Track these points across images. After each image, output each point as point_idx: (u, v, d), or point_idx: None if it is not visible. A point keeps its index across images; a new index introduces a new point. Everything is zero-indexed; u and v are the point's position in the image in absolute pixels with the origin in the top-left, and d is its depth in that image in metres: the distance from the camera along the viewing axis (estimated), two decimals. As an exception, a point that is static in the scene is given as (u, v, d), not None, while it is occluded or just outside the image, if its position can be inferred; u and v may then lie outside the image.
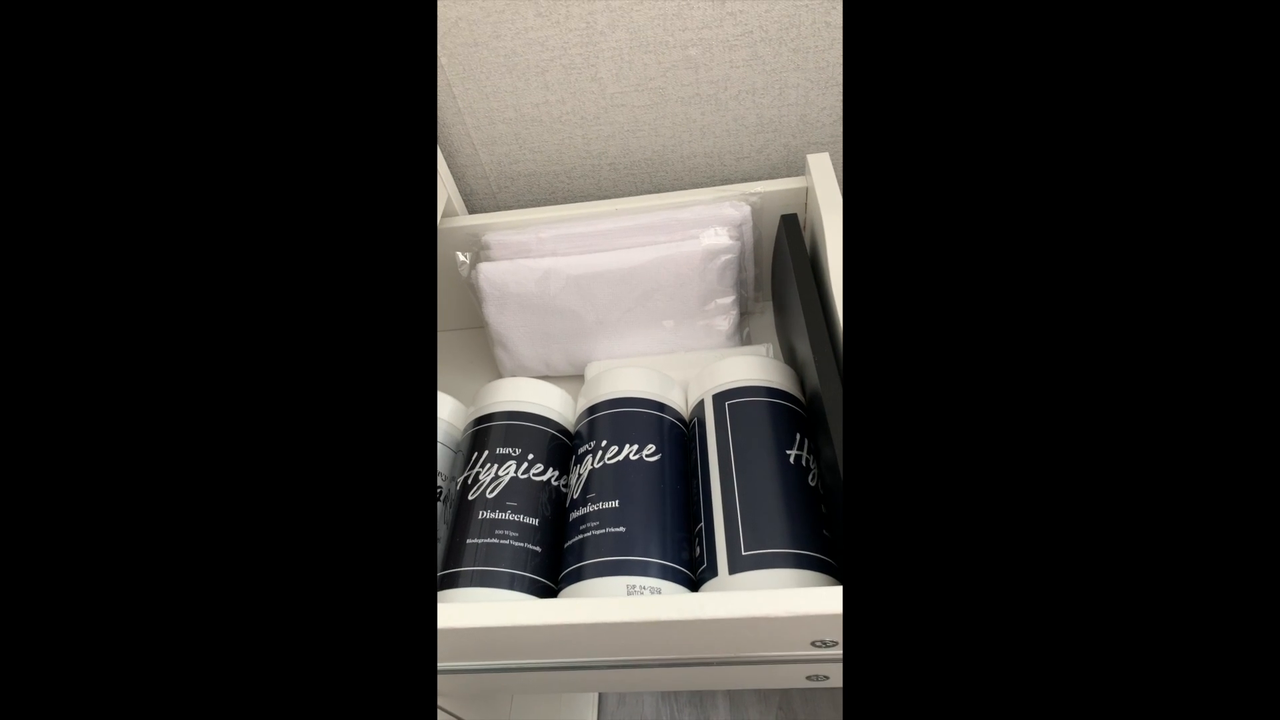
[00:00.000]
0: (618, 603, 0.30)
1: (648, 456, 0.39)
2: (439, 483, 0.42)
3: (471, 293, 0.50)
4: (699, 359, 0.49)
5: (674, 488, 0.38)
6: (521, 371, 0.53)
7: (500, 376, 0.54)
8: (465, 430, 0.43)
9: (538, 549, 0.37)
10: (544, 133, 0.51)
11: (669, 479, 0.38)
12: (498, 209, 0.55)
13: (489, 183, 0.54)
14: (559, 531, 0.38)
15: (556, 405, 0.44)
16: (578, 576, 0.35)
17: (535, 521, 0.38)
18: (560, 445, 0.42)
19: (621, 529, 0.36)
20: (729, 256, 0.47)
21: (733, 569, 0.34)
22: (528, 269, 0.48)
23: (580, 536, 0.36)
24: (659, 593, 0.34)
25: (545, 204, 0.54)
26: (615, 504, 0.37)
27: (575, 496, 0.38)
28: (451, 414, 0.46)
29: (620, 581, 0.34)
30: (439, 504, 0.42)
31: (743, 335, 0.51)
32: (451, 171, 0.51)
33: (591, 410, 0.42)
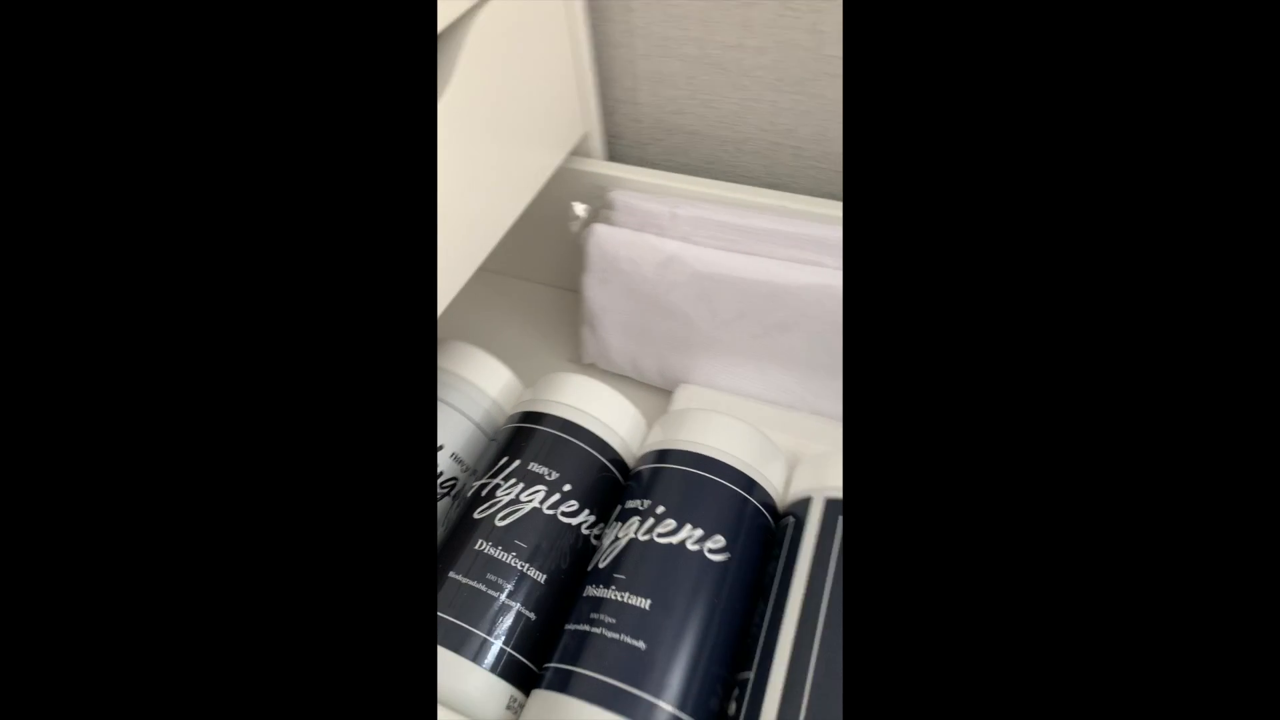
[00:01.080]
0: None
1: (711, 552, 0.28)
2: (457, 473, 0.34)
3: (579, 255, 0.41)
4: (823, 431, 0.37)
5: (732, 605, 0.28)
6: (604, 363, 0.43)
7: (576, 361, 0.44)
8: (508, 421, 0.34)
9: (532, 615, 0.28)
10: (725, 84, 0.40)
11: (730, 591, 0.28)
12: (641, 164, 0.44)
13: (640, 130, 0.44)
14: (570, 596, 0.29)
15: (624, 429, 0.34)
16: (561, 684, 0.26)
17: (542, 577, 0.29)
18: (610, 482, 0.32)
19: (641, 644, 0.26)
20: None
21: (771, 775, 0.23)
22: (649, 247, 0.38)
23: (585, 628, 0.27)
24: (658, 761, 0.24)
25: (700, 174, 0.43)
26: (645, 605, 0.26)
27: (601, 565, 0.29)
28: (502, 392, 0.37)
29: (611, 723, 0.24)
30: (447, 498, 0.33)
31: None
32: (601, 105, 0.41)
33: (660, 456, 0.32)
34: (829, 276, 0.35)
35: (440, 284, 0.28)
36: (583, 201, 0.40)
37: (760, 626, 0.27)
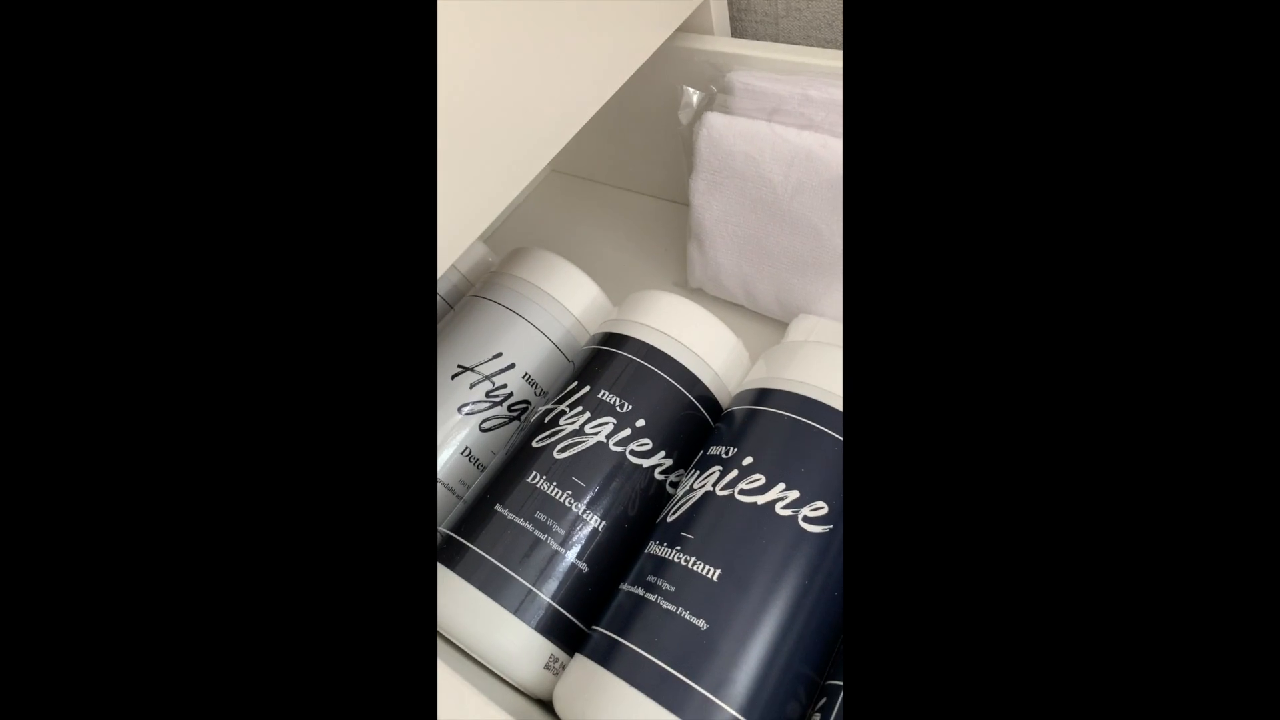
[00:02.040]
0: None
1: (808, 520, 0.22)
2: (529, 396, 0.30)
3: (685, 153, 0.34)
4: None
5: (829, 590, 0.21)
6: (713, 288, 0.37)
7: (682, 285, 0.39)
8: (588, 342, 0.30)
9: (585, 566, 0.24)
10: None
11: (829, 571, 0.21)
12: (775, 41, 0.36)
13: (775, 2, 0.35)
14: (633, 550, 0.24)
15: (721, 361, 0.28)
16: (605, 656, 0.21)
17: (601, 524, 0.24)
18: (697, 423, 0.27)
19: (702, 624, 0.20)
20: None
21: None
22: (773, 139, 0.31)
23: (641, 592, 0.22)
24: (707, 774, 0.19)
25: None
26: (714, 575, 0.21)
27: (670, 518, 0.24)
28: (586, 310, 0.32)
29: (651, 714, 0.19)
30: (515, 420, 0.30)
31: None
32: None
33: (759, 396, 0.25)
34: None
35: (499, 183, 0.23)
36: (696, 86, 0.33)
37: (865, 624, 0.21)
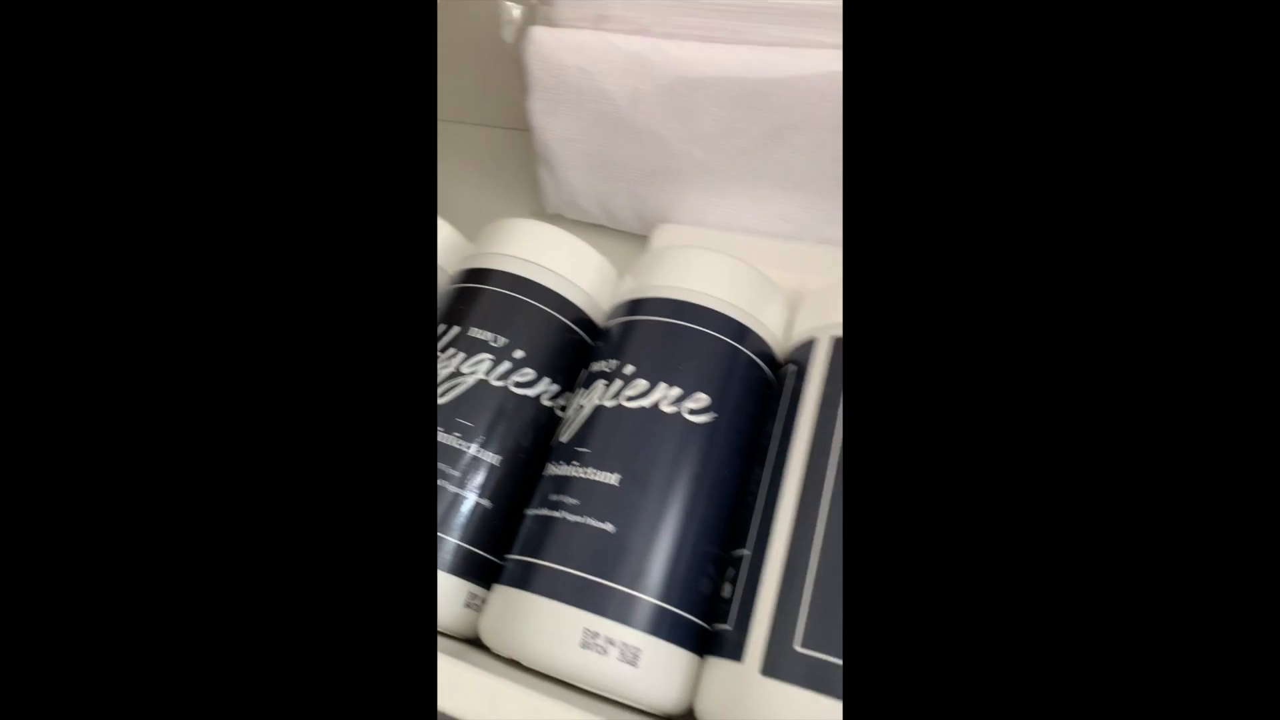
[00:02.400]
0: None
1: (692, 412, 0.23)
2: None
3: (517, 74, 0.33)
4: (833, 263, 0.30)
5: (720, 473, 0.23)
6: (571, 211, 0.37)
7: (539, 214, 0.38)
8: (451, 281, 0.29)
9: (488, 502, 0.24)
10: None
11: (718, 457, 0.23)
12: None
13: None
14: (532, 478, 0.25)
15: (588, 280, 0.28)
16: (520, 580, 0.22)
17: (497, 459, 0.24)
18: (577, 345, 0.27)
19: (610, 527, 0.21)
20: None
21: (770, 667, 0.19)
22: (604, 48, 0.30)
23: (546, 513, 0.22)
24: (635, 659, 0.20)
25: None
26: (614, 480, 0.22)
27: (564, 438, 0.24)
28: (446, 254, 0.31)
29: (577, 620, 0.20)
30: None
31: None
32: None
33: (631, 308, 0.26)
34: (827, 60, 0.27)
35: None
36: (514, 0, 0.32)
37: (756, 495, 0.23)
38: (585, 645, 0.20)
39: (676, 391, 0.23)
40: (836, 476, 0.21)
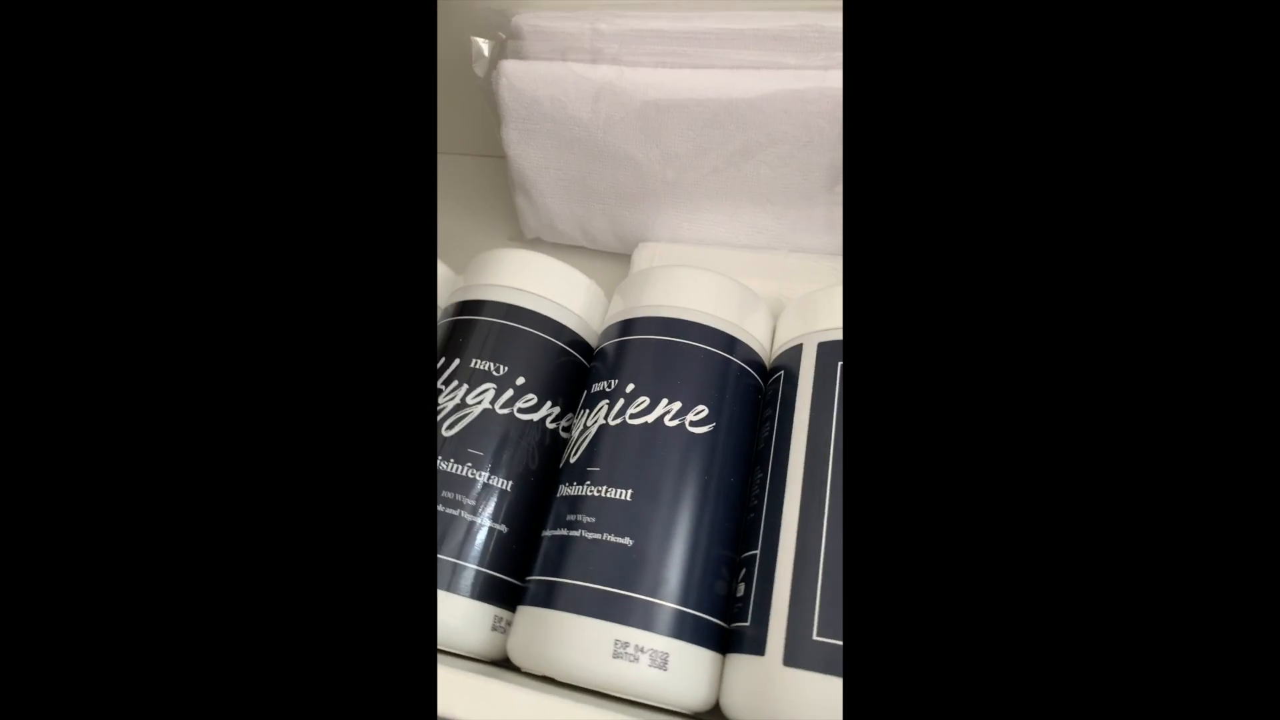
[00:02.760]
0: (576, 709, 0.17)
1: (694, 424, 0.24)
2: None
3: (489, 104, 0.34)
4: (808, 270, 0.32)
5: (725, 480, 0.24)
6: (550, 235, 0.38)
7: (518, 239, 0.39)
8: (443, 315, 0.29)
9: (504, 527, 0.25)
10: None
11: (721, 464, 0.24)
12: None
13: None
14: (545, 499, 0.26)
15: (579, 304, 0.29)
16: (545, 599, 0.23)
17: (508, 484, 0.25)
18: (574, 367, 0.28)
19: (628, 540, 0.22)
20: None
21: (790, 657, 0.20)
22: (574, 79, 0.31)
23: (564, 533, 0.23)
24: (664, 663, 0.21)
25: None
26: (627, 495, 0.23)
27: (572, 459, 0.25)
28: (439, 283, 0.31)
29: (606, 632, 0.21)
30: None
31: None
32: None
33: (624, 328, 0.27)
34: (790, 80, 0.29)
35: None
36: (484, 35, 0.33)
37: (760, 497, 0.24)
38: (617, 655, 0.21)
39: (677, 405, 0.24)
40: (835, 474, 0.22)
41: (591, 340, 0.29)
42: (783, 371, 0.26)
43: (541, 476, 0.26)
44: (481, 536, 0.24)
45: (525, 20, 0.31)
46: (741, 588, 0.23)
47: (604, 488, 0.23)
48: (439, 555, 0.23)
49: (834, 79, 0.28)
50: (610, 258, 0.37)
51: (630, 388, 0.25)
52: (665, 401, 0.24)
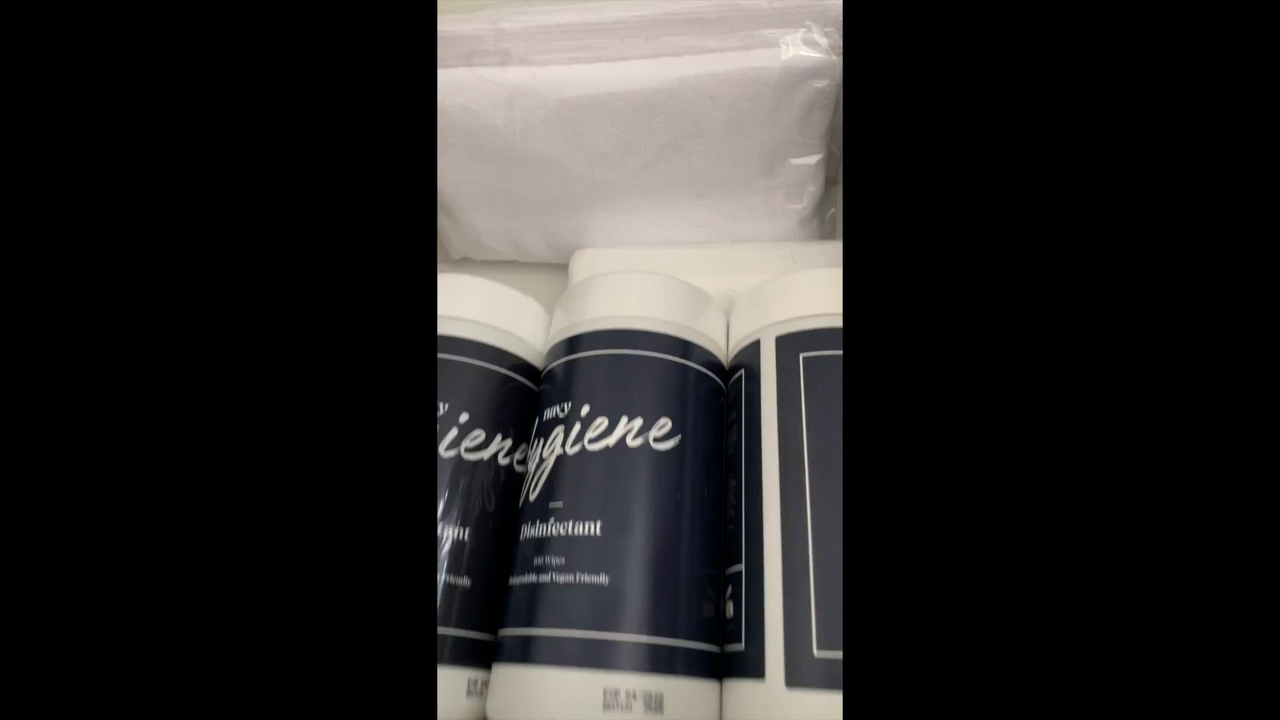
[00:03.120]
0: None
1: (658, 440, 0.23)
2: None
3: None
4: (754, 261, 0.31)
5: (698, 495, 0.23)
6: (478, 252, 0.35)
7: (446, 260, 0.36)
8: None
9: (465, 580, 0.23)
10: None
11: (691, 479, 0.23)
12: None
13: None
14: (506, 542, 0.24)
15: (520, 324, 0.27)
16: (521, 654, 0.20)
17: (464, 532, 0.23)
18: (521, 394, 0.26)
19: (603, 578, 0.20)
20: (824, 83, 0.27)
21: (793, 677, 0.19)
22: (482, 84, 0.29)
23: (533, 579, 0.21)
24: (659, 705, 0.19)
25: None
26: (596, 528, 0.21)
27: (532, 496, 0.23)
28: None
29: (593, 682, 0.19)
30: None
31: (826, 221, 0.33)
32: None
33: (571, 344, 0.25)
34: (711, 63, 0.27)
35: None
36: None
37: (738, 507, 0.23)
38: (608, 706, 0.19)
39: (638, 422, 0.23)
40: (813, 474, 0.21)
41: (536, 362, 0.27)
42: (743, 370, 0.25)
43: (500, 519, 0.24)
44: (447, 594, 0.22)
45: (421, 26, 0.29)
46: (730, 607, 0.22)
47: (570, 523, 0.21)
48: (397, 624, 0.21)
49: (756, 58, 0.27)
50: (546, 269, 0.35)
51: (585, 409, 0.23)
52: (625, 420, 0.23)
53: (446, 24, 0.29)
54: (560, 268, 0.35)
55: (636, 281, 0.26)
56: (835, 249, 0.31)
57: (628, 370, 0.24)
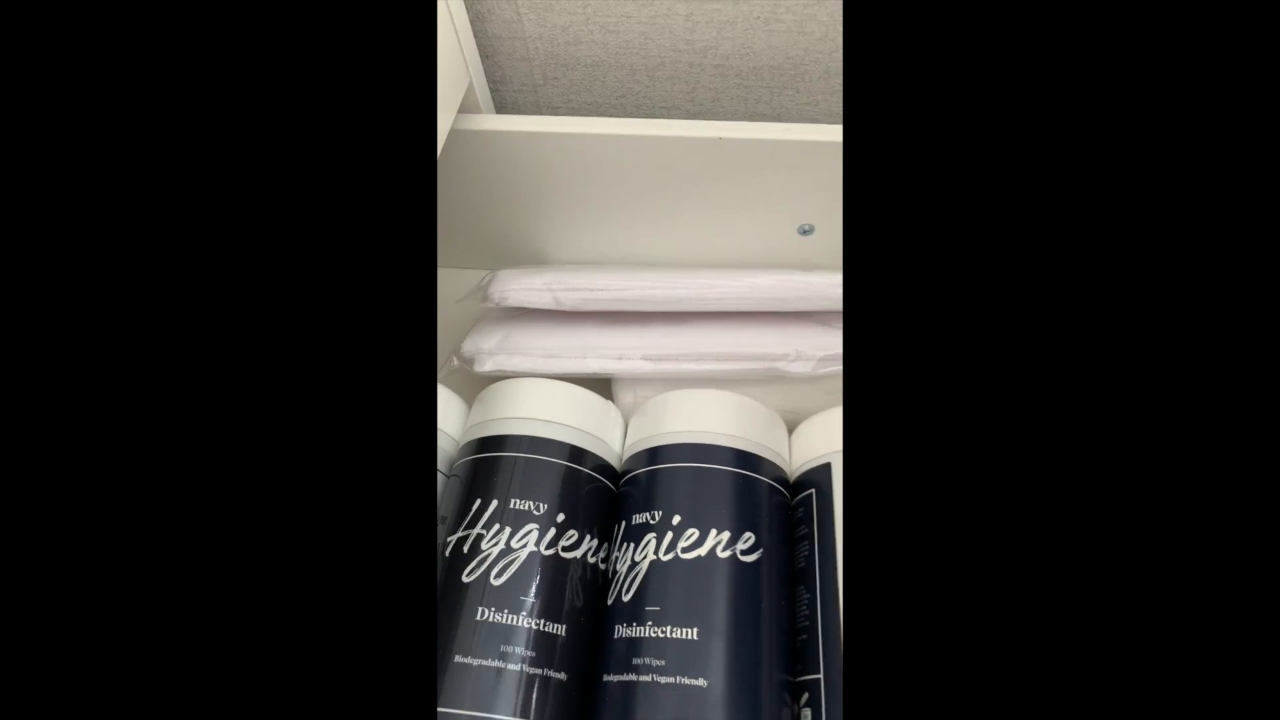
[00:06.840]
0: None
1: (744, 553, 0.25)
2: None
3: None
4: (818, 386, 0.34)
5: (776, 605, 0.25)
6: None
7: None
8: (462, 454, 0.29)
9: (562, 675, 0.24)
10: (628, 1, 0.33)
11: (770, 590, 0.25)
12: (539, 111, 0.38)
13: (531, 69, 0.37)
14: (595, 638, 0.25)
15: (598, 426, 0.30)
16: (624, 754, 0.22)
17: (560, 628, 0.25)
18: (603, 494, 0.28)
19: (702, 682, 0.22)
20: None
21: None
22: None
23: (631, 678, 0.23)
24: (755, 809, 0.21)
25: (609, 111, 0.37)
26: (693, 634, 0.23)
27: (625, 597, 0.25)
28: (453, 419, 0.31)
29: (695, 784, 0.21)
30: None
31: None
32: (479, 44, 0.34)
33: (653, 456, 0.28)
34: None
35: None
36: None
37: (811, 618, 0.25)
38: (711, 809, 0.21)
39: (726, 535, 0.25)
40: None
41: (612, 462, 0.30)
42: (813, 489, 0.27)
43: (590, 616, 0.26)
44: (543, 688, 0.24)
45: (499, 288, 0.32)
46: (808, 714, 0.24)
47: (667, 627, 0.23)
48: (500, 717, 0.23)
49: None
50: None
51: (677, 519, 0.26)
52: (714, 532, 0.25)
53: (513, 286, 0.32)
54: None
55: (715, 399, 0.29)
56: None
57: (711, 484, 0.26)
